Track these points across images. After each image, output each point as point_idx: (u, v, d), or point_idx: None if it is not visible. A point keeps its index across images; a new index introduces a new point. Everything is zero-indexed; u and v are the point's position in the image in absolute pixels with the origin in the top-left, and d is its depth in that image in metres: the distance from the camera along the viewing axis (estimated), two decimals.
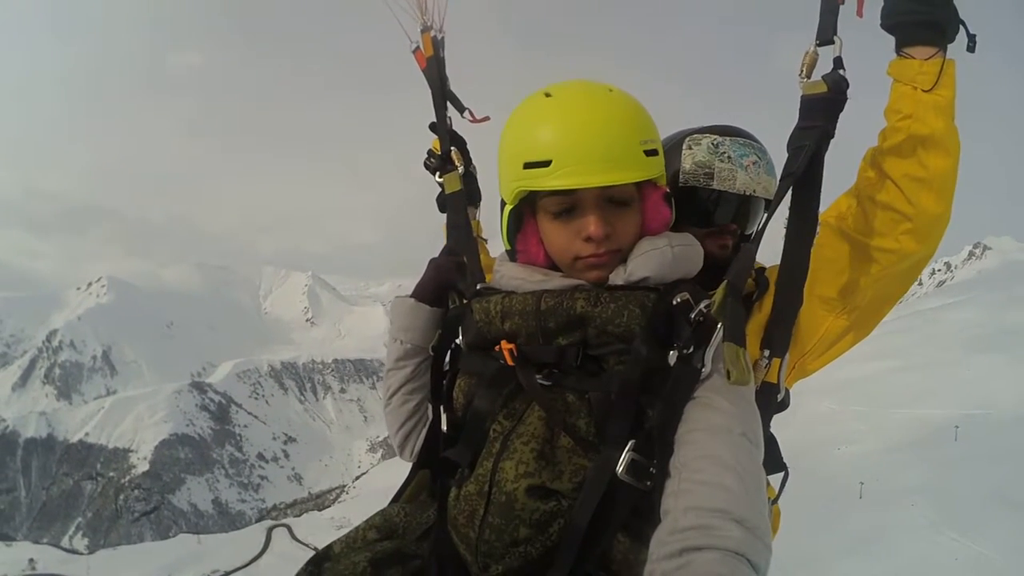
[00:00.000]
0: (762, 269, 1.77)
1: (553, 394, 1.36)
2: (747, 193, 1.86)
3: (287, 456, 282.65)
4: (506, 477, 1.33)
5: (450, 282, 1.82)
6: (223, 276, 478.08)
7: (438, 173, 2.07)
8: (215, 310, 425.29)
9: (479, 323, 1.50)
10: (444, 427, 1.60)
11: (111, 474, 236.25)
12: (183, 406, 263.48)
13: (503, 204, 1.53)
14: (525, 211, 1.50)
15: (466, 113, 2.06)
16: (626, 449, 1.23)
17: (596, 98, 1.40)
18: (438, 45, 2.09)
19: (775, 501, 1.81)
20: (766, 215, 1.46)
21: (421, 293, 1.83)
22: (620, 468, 1.22)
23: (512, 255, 1.57)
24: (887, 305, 1.71)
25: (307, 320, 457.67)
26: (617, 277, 1.41)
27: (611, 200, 1.41)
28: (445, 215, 2.07)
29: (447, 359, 1.68)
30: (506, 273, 1.55)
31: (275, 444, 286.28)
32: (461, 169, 2.02)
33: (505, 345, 1.41)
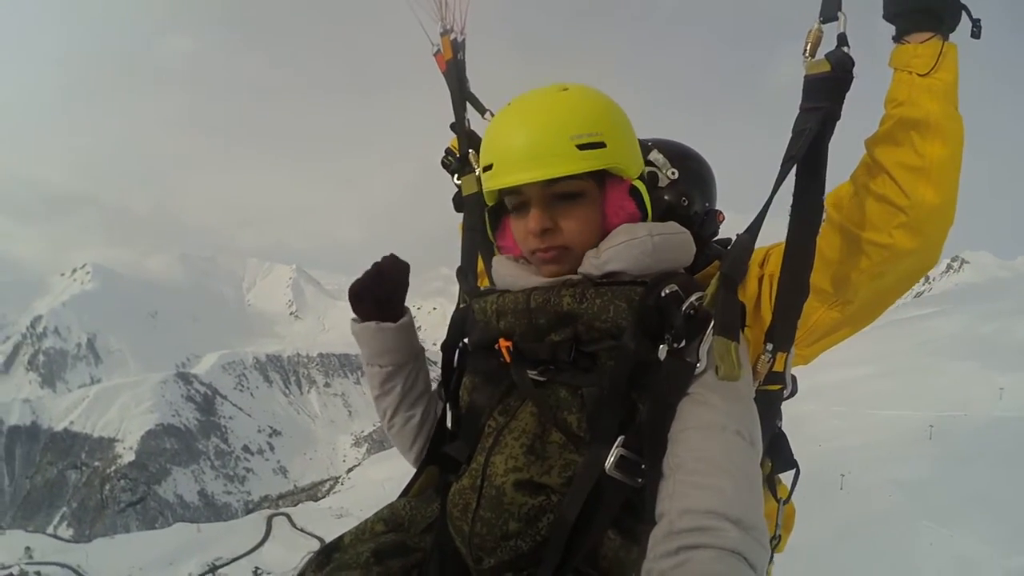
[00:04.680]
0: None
1: (546, 390, 1.37)
2: None
3: (272, 449, 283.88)
4: (496, 471, 1.35)
5: (396, 289, 1.74)
6: (206, 267, 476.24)
7: (456, 175, 2.04)
8: (198, 301, 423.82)
9: (479, 322, 1.53)
10: (449, 424, 1.62)
11: (96, 464, 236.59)
12: (169, 396, 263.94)
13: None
14: (503, 210, 1.59)
15: (487, 115, 2.04)
16: (615, 445, 1.23)
17: (536, 100, 1.43)
18: (458, 48, 2.09)
19: (787, 500, 1.78)
20: (764, 203, 1.40)
21: (376, 311, 1.72)
22: (609, 464, 1.22)
23: (498, 250, 1.69)
24: (884, 303, 1.61)
25: (291, 313, 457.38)
26: (589, 266, 1.42)
27: (559, 195, 1.42)
28: (461, 216, 2.04)
29: (455, 358, 1.67)
30: (499, 270, 1.60)
31: (260, 437, 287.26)
32: (479, 171, 1.86)
33: (503, 343, 1.42)
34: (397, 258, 1.76)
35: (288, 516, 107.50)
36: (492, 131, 1.48)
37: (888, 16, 1.48)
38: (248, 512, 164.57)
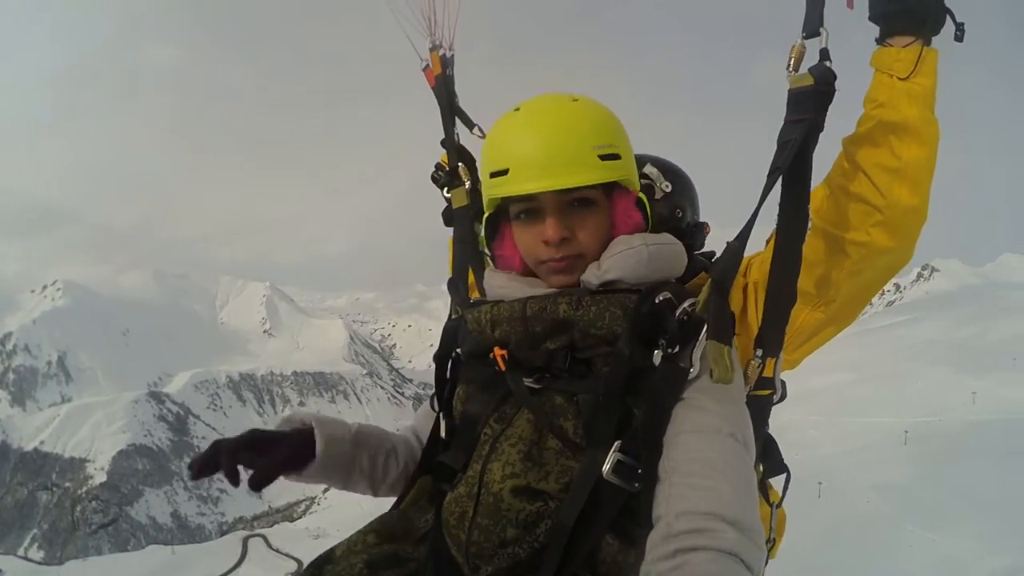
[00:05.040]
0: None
1: (541, 397, 1.38)
2: None
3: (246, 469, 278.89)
4: (493, 478, 1.35)
5: (249, 452, 1.45)
6: (180, 285, 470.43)
7: (446, 188, 2.06)
8: (171, 319, 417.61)
9: (473, 332, 1.53)
10: (443, 434, 1.63)
11: (67, 484, 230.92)
12: (141, 416, 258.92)
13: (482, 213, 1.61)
14: (502, 218, 1.58)
15: (475, 129, 2.05)
16: (611, 450, 1.24)
17: (553, 108, 1.44)
18: (447, 63, 2.10)
19: (779, 504, 1.79)
20: (751, 213, 1.43)
21: (269, 472, 1.46)
22: (606, 468, 1.23)
23: (493, 261, 1.68)
24: (864, 298, 1.66)
25: (265, 331, 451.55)
26: (591, 276, 1.44)
27: (573, 204, 1.44)
28: (451, 229, 2.05)
29: (448, 369, 1.66)
30: (491, 282, 1.60)
31: None
32: (468, 184, 2.00)
33: (498, 351, 1.43)
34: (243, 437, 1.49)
35: (264, 537, 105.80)
36: (505, 136, 1.47)
37: (874, 17, 1.50)
38: (223, 534, 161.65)
